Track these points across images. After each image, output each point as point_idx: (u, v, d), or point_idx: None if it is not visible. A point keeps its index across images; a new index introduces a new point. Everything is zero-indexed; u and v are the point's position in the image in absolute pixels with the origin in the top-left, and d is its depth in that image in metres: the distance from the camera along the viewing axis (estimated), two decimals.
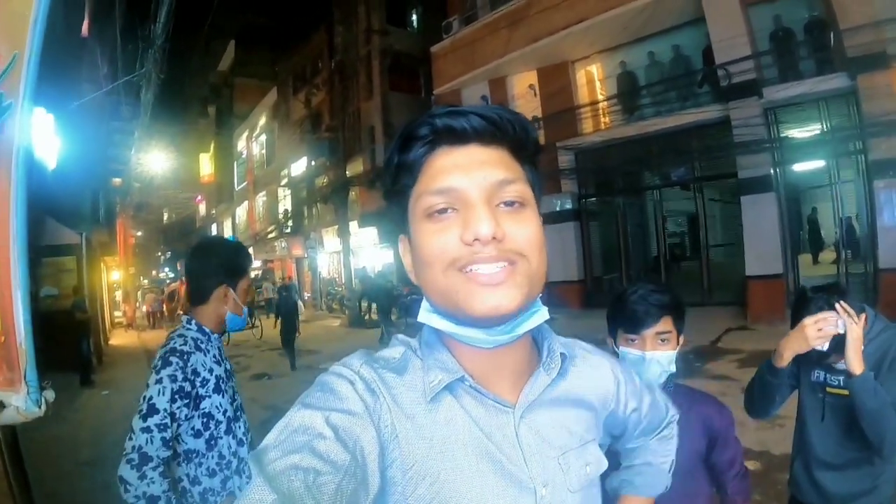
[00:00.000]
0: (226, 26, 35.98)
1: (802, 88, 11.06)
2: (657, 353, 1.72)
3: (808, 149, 11.81)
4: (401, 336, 0.94)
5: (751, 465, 5.02)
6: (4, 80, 1.46)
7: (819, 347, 2.01)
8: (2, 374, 1.50)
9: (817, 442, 2.28)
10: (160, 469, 1.87)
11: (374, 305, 18.31)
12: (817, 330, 1.99)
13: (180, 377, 1.98)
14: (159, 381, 1.94)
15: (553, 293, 15.89)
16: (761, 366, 2.24)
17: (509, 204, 0.80)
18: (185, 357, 2.03)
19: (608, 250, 16.57)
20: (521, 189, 0.82)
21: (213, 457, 2.09)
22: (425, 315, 0.87)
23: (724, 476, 1.90)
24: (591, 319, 13.29)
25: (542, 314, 0.86)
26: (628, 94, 15.03)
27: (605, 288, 16.51)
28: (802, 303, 2.11)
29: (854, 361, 1.93)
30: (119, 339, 20.75)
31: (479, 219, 0.75)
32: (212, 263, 2.29)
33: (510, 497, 0.81)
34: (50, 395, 1.49)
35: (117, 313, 27.16)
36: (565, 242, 15.80)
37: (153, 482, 1.85)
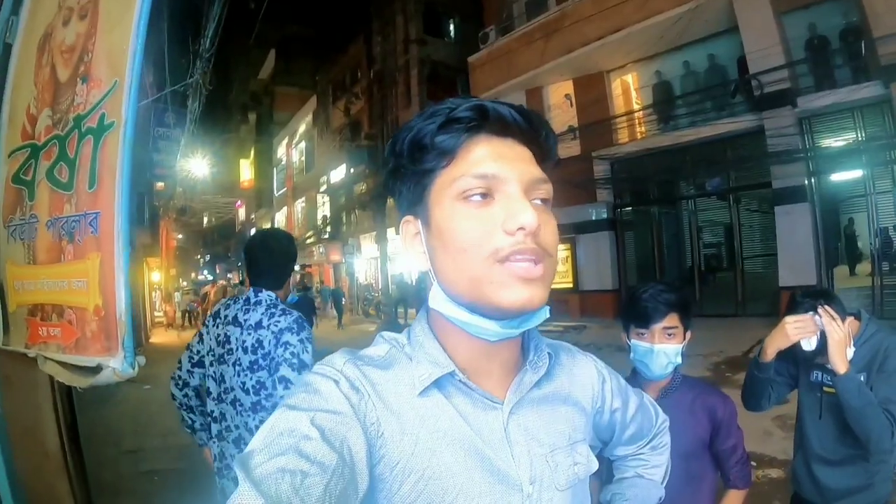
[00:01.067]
0: (267, 36, 36.48)
1: (837, 97, 11.01)
2: (665, 346, 1.91)
3: (842, 158, 11.67)
4: (385, 333, 0.94)
5: (774, 472, 5.09)
6: (104, 102, 1.77)
7: (806, 347, 2.18)
8: (100, 343, 1.77)
9: (815, 439, 2.39)
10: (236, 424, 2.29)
11: (409, 311, 18.59)
12: (795, 327, 2.16)
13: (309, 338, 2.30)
14: (303, 342, 2.25)
15: (587, 302, 15.93)
16: (751, 362, 2.39)
17: (543, 201, 0.82)
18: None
19: (643, 260, 16.50)
20: (550, 189, 0.83)
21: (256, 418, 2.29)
22: (439, 302, 0.86)
23: (727, 462, 2.06)
24: None
25: (545, 311, 0.85)
26: (663, 103, 15.03)
27: None
28: (791, 305, 2.27)
29: (837, 361, 2.06)
30: (159, 337, 21.20)
31: (524, 209, 0.76)
32: (287, 256, 2.61)
33: (497, 494, 0.81)
34: (142, 360, 1.75)
35: (157, 313, 27.77)
36: (600, 252, 15.82)
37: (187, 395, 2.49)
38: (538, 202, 0.81)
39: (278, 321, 2.29)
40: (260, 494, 0.60)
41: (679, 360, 1.95)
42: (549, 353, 0.95)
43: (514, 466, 0.84)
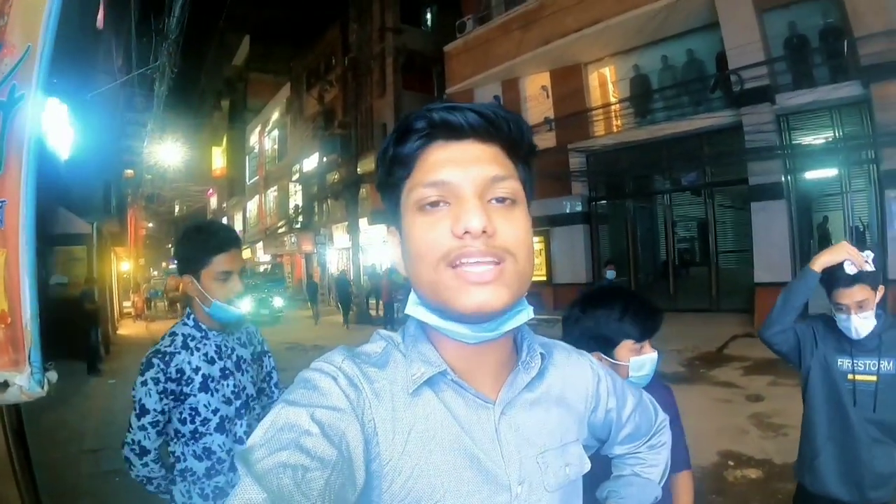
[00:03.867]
0: (241, 21, 36.12)
1: (815, 96, 11.05)
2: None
3: (819, 157, 11.78)
4: (382, 331, 0.93)
5: (752, 473, 5.03)
6: (17, 71, 1.50)
7: (849, 270, 2.22)
8: (7, 355, 1.55)
9: (848, 428, 2.38)
10: (155, 457, 2.11)
11: (381, 302, 18.53)
12: (851, 250, 2.23)
13: (163, 379, 2.05)
14: (144, 384, 2.04)
15: (561, 295, 15.91)
16: (798, 273, 2.45)
17: (500, 200, 0.80)
18: (168, 358, 2.08)
19: (617, 254, 16.40)
20: (513, 186, 0.82)
21: (198, 446, 2.14)
22: (412, 308, 0.88)
23: (673, 448, 2.03)
24: None
25: (527, 313, 0.87)
26: (641, 97, 15.02)
27: None
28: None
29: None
30: (127, 328, 20.82)
31: (470, 212, 0.75)
32: (176, 253, 2.27)
33: (485, 494, 0.81)
34: (53, 376, 1.53)
35: (126, 303, 27.33)
36: (574, 245, 15.83)
37: (152, 470, 2.12)
38: (495, 202, 0.80)
39: None
40: (262, 489, 0.61)
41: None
42: (541, 354, 0.93)
43: (503, 467, 0.84)
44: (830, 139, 11.45)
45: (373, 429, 0.78)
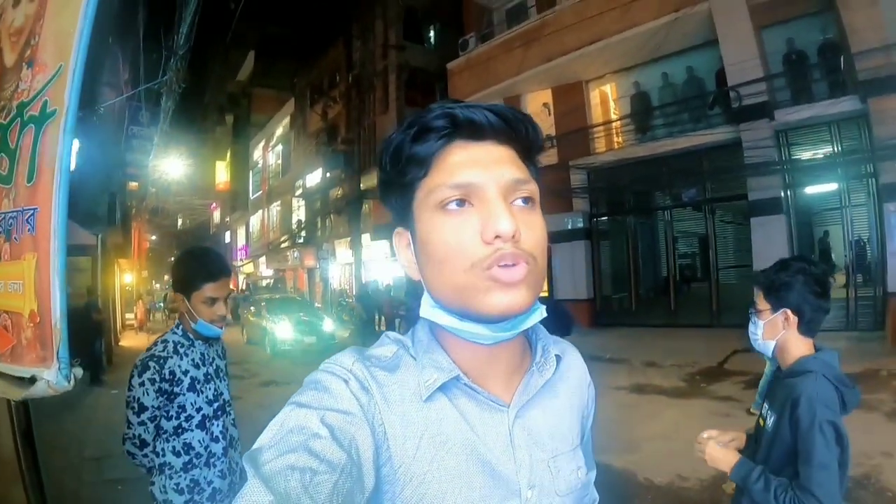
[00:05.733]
0: (246, 37, 36.32)
1: (813, 111, 11.13)
2: None
3: (818, 171, 11.81)
4: (392, 334, 0.92)
5: None
6: (49, 88, 1.62)
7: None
8: (35, 352, 1.66)
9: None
10: (153, 448, 2.41)
11: (383, 318, 18.55)
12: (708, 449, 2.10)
13: (158, 379, 2.36)
14: (142, 385, 2.34)
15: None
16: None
17: (525, 201, 0.80)
18: (162, 361, 2.39)
19: (618, 270, 16.58)
20: (533, 188, 0.81)
21: (179, 441, 2.41)
22: (427, 310, 0.86)
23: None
24: (600, 338, 13.34)
25: (540, 312, 0.85)
26: (641, 114, 15.10)
27: (615, 307, 16.53)
28: None
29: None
30: (129, 340, 20.84)
31: (501, 216, 0.74)
32: (172, 272, 2.66)
33: (496, 499, 0.80)
34: (78, 372, 1.63)
35: (129, 315, 27.39)
36: (575, 261, 15.83)
37: (151, 460, 2.42)
38: (519, 203, 0.79)
39: None
40: (269, 491, 0.61)
41: None
42: (556, 356, 0.93)
43: (514, 471, 0.83)
44: (829, 154, 11.49)
45: (383, 433, 0.78)
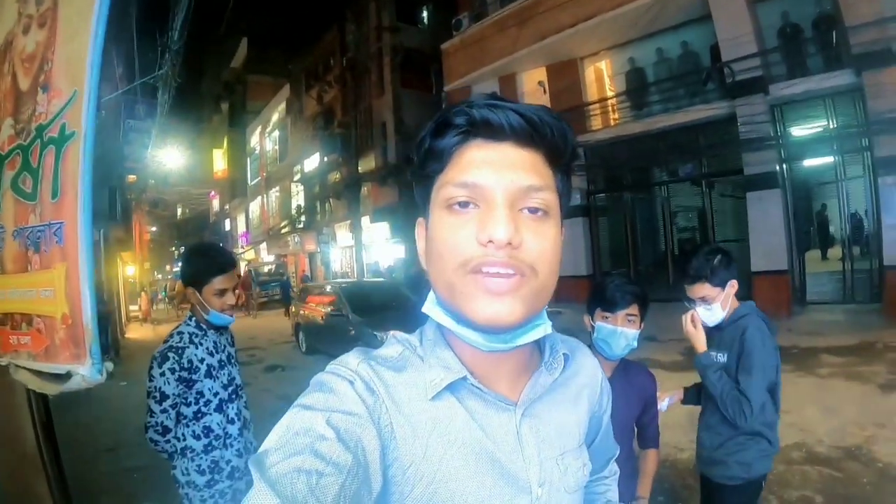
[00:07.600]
0: (239, 24, 36.10)
1: (808, 85, 11.13)
2: (626, 330, 2.22)
3: (814, 145, 11.83)
4: (399, 334, 0.92)
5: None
6: (65, 112, 1.75)
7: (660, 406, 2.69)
8: (69, 350, 1.81)
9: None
10: (174, 434, 2.55)
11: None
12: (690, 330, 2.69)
13: (178, 368, 2.51)
14: (163, 374, 2.48)
15: (562, 288, 15.98)
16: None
17: (533, 211, 0.78)
18: (180, 351, 2.55)
19: (617, 246, 16.63)
20: (547, 198, 0.79)
21: (199, 426, 2.59)
22: (430, 307, 0.86)
23: (648, 428, 2.50)
24: None
25: (544, 328, 0.85)
26: (637, 90, 15.08)
27: None
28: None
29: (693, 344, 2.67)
30: (135, 332, 20.97)
31: (497, 221, 0.73)
32: (182, 267, 2.81)
33: (506, 497, 0.81)
34: (109, 366, 1.80)
35: (133, 307, 27.57)
36: (574, 238, 15.85)
37: (174, 445, 2.56)
38: (527, 212, 0.78)
39: None
40: (275, 494, 0.61)
41: (635, 344, 2.26)
42: (564, 354, 0.94)
43: (523, 469, 0.84)
44: (824, 128, 11.50)
45: (390, 433, 0.77)
